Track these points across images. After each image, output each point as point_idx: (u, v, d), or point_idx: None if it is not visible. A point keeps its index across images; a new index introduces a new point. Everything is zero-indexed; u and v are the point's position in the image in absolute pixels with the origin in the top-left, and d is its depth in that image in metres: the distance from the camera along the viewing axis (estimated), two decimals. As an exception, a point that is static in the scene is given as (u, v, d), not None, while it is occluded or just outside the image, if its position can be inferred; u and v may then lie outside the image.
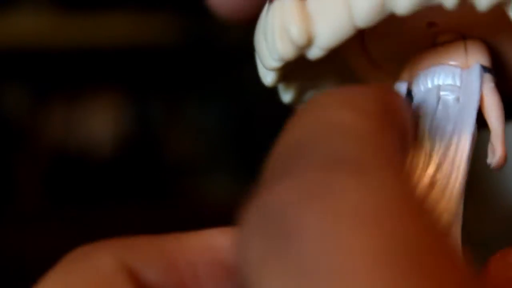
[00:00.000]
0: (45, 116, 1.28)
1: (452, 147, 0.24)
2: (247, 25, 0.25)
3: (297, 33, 0.22)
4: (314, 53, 0.23)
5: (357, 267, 0.15)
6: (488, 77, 0.25)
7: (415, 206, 0.17)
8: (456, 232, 0.23)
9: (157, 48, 1.26)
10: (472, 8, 0.22)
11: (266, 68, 0.25)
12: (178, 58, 1.26)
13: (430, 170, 0.23)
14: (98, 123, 1.29)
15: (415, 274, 0.15)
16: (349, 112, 0.18)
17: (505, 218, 1.08)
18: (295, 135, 0.19)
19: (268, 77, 0.26)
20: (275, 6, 0.23)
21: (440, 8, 0.22)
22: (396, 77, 0.26)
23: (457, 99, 0.25)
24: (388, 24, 0.23)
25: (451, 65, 0.25)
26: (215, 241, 0.21)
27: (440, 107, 0.25)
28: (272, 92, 0.31)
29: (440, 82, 0.25)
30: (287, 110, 0.33)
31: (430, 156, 0.24)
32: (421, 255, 0.15)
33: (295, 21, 0.22)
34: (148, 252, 0.20)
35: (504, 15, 0.23)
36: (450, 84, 0.25)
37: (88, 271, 0.19)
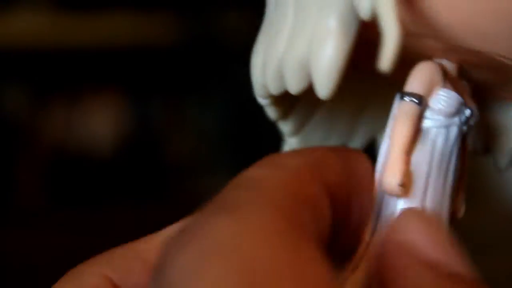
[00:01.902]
0: (45, 116, 1.28)
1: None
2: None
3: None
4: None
5: None
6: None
7: (290, 241, 0.18)
8: None
9: (157, 48, 1.26)
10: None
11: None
12: (178, 58, 1.26)
13: None
14: (98, 123, 1.29)
15: None
16: (264, 169, 0.20)
17: (505, 218, 1.08)
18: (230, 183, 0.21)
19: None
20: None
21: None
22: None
23: None
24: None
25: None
26: None
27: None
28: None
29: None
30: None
31: None
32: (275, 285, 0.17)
33: None
34: (125, 260, 0.24)
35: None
36: None
37: None
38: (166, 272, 0.18)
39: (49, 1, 1.26)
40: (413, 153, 0.24)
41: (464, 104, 0.25)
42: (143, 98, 1.31)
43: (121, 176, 1.26)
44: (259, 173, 0.20)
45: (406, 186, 0.24)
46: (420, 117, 0.24)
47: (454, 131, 0.25)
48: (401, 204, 0.24)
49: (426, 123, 0.25)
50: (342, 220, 0.22)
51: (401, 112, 0.24)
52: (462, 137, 0.25)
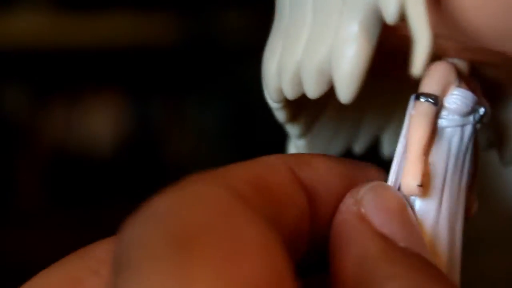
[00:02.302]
0: (45, 116, 1.29)
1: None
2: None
3: None
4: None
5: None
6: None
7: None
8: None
9: (157, 48, 1.26)
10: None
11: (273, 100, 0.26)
12: (178, 58, 1.26)
13: None
14: (98, 123, 1.29)
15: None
16: (208, 185, 0.20)
17: (505, 218, 1.08)
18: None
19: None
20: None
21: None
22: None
23: None
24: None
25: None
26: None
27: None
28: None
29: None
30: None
31: None
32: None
33: None
34: (109, 252, 0.23)
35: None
36: None
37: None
38: (116, 247, 0.19)
39: (49, 1, 1.26)
40: (430, 154, 0.24)
41: (478, 103, 0.25)
42: (143, 98, 1.31)
43: (121, 176, 1.26)
44: (233, 165, 0.21)
45: (425, 187, 0.24)
46: (436, 117, 0.24)
47: (468, 130, 0.25)
48: (418, 205, 0.24)
49: (442, 123, 0.25)
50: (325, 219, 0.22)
51: (418, 113, 0.24)
52: (475, 136, 0.25)
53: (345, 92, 0.23)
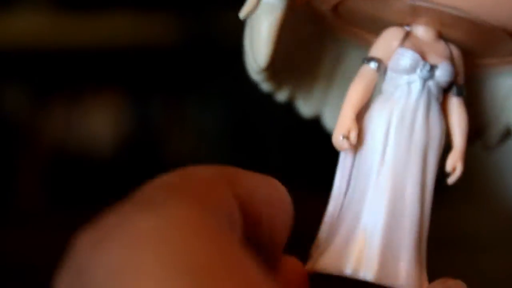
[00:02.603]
0: (45, 116, 1.28)
1: None
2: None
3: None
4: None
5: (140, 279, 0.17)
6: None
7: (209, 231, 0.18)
8: None
9: (157, 48, 1.26)
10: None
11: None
12: (178, 58, 1.26)
13: None
14: (98, 123, 1.29)
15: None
16: (178, 175, 0.21)
17: (505, 218, 1.08)
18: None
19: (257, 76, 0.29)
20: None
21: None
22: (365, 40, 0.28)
23: None
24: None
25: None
26: None
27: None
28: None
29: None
30: (287, 110, 0.33)
31: None
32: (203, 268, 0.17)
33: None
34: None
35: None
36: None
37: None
38: (89, 272, 0.18)
39: (49, 1, 1.26)
40: (372, 112, 0.26)
41: (422, 60, 0.26)
42: (143, 98, 1.31)
43: (121, 176, 1.26)
44: (174, 178, 0.21)
45: (359, 142, 0.26)
46: (376, 78, 0.26)
47: (416, 87, 0.26)
48: (359, 158, 0.26)
49: (386, 82, 0.26)
50: (253, 231, 0.22)
51: (358, 75, 0.26)
52: (434, 94, 0.26)
53: (259, 58, 0.27)
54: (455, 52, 0.27)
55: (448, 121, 0.27)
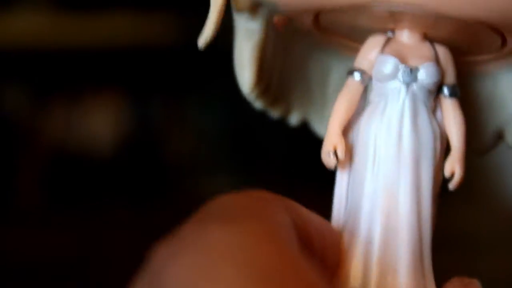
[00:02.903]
0: (45, 116, 1.28)
1: None
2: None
3: None
4: None
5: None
6: (447, 91, 0.26)
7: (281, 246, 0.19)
8: None
9: (157, 48, 1.26)
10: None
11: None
12: (178, 58, 1.26)
13: None
14: (98, 123, 1.29)
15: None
16: (242, 197, 0.22)
17: (505, 218, 1.08)
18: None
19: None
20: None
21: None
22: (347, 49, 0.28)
23: None
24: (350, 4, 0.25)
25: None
26: None
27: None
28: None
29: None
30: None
31: None
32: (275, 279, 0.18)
33: None
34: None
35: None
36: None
37: None
38: (164, 280, 0.18)
39: (49, 1, 1.26)
40: (361, 123, 0.26)
41: (401, 64, 0.25)
42: (143, 98, 1.31)
43: (121, 176, 1.26)
44: (239, 197, 0.22)
45: (347, 158, 0.26)
46: (362, 89, 0.26)
47: (399, 93, 0.25)
48: (353, 175, 0.26)
49: (373, 93, 0.26)
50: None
51: (343, 88, 0.26)
52: (421, 98, 0.25)
53: (243, 83, 0.28)
54: (442, 51, 0.26)
55: (445, 124, 0.26)
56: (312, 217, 0.24)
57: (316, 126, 0.30)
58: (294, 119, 0.30)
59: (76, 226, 1.11)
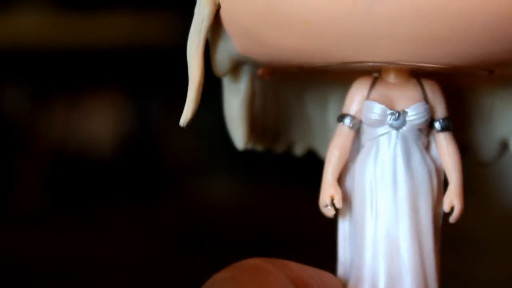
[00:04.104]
0: (45, 116, 1.28)
1: None
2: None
3: None
4: None
5: None
6: (439, 125, 0.26)
7: None
8: None
9: (157, 48, 1.26)
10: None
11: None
12: (178, 58, 1.25)
13: None
14: (98, 123, 1.29)
15: None
16: (234, 270, 0.23)
17: (505, 218, 1.08)
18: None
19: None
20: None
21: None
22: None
23: None
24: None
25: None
26: None
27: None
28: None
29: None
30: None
31: None
32: None
33: None
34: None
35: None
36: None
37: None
38: None
39: (49, 1, 1.26)
40: (356, 168, 0.25)
41: (389, 109, 0.25)
42: (143, 98, 1.31)
43: (121, 176, 1.26)
44: (231, 272, 0.23)
45: (345, 205, 0.25)
46: (353, 134, 0.26)
47: (390, 137, 0.25)
48: (354, 222, 0.26)
49: (364, 136, 0.26)
50: None
51: (335, 134, 0.26)
52: (412, 139, 0.25)
53: (235, 139, 0.28)
54: (429, 86, 0.26)
55: (441, 158, 0.26)
56: (306, 268, 0.24)
57: (322, 153, 0.30)
58: (298, 150, 0.31)
59: (76, 225, 1.11)
